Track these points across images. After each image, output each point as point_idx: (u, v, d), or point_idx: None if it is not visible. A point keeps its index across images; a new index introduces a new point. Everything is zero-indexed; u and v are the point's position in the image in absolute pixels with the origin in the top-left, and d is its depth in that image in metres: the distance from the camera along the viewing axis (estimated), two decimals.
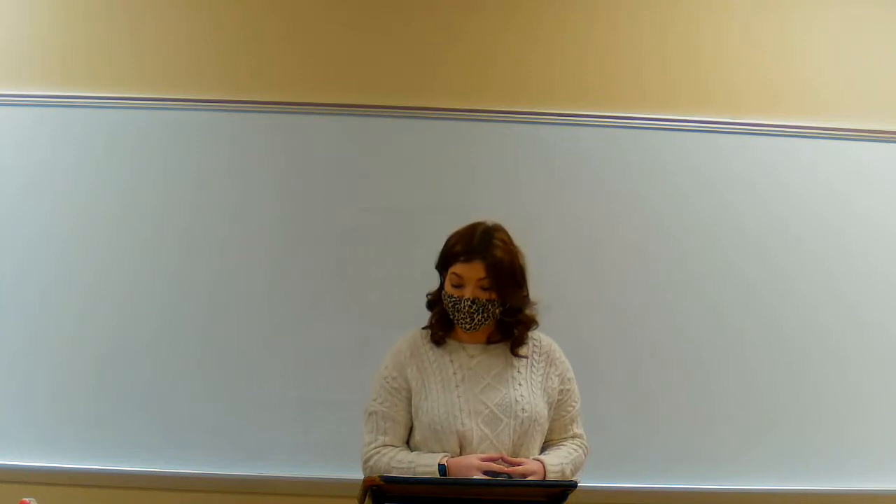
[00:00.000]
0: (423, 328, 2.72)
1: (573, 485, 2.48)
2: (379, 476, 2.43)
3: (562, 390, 2.71)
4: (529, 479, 2.53)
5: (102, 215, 3.52)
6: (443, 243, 2.68)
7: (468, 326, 2.62)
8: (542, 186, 3.60)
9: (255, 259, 3.51)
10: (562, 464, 2.62)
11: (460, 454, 2.56)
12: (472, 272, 2.58)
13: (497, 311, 2.63)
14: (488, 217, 2.72)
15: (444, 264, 2.65)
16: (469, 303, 2.59)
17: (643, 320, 3.56)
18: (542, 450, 2.67)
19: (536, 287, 3.53)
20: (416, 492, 2.50)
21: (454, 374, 2.64)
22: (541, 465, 2.57)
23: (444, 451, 2.57)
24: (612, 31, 3.71)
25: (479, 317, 2.61)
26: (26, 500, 2.69)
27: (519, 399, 2.62)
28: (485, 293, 2.60)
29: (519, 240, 3.54)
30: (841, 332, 3.60)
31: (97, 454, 3.42)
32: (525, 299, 2.68)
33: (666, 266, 3.59)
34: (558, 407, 2.70)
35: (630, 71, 3.69)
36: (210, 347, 3.47)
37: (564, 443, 2.70)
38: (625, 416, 3.52)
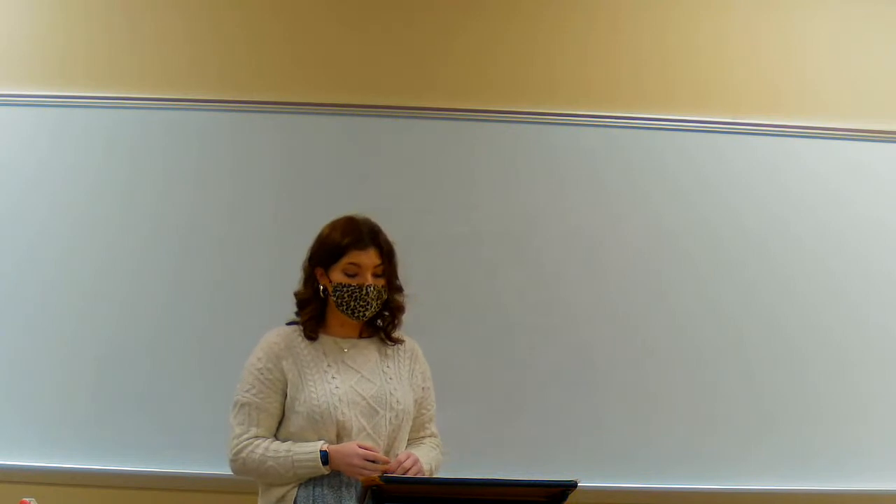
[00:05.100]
0: (289, 323, 2.74)
1: (573, 485, 2.48)
2: (379, 476, 2.43)
3: (424, 388, 2.76)
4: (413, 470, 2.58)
5: (102, 215, 3.52)
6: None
7: (367, 314, 2.66)
8: (542, 186, 3.60)
9: (255, 259, 3.51)
10: (429, 461, 2.68)
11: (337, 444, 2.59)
12: (368, 260, 2.64)
13: (385, 297, 2.69)
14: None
15: (330, 258, 2.67)
16: (371, 289, 2.63)
17: (643, 320, 3.56)
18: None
19: (537, 287, 3.56)
20: (416, 492, 2.50)
21: (329, 366, 2.66)
22: (417, 458, 2.62)
23: (321, 440, 2.59)
24: (612, 31, 3.71)
25: (376, 303, 2.66)
26: (26, 500, 2.69)
27: (393, 392, 2.66)
28: (378, 280, 2.66)
29: (519, 240, 3.58)
30: (841, 332, 3.60)
31: (97, 454, 3.42)
32: (399, 285, 2.73)
33: (666, 266, 3.59)
34: (419, 404, 2.74)
35: (630, 71, 3.69)
36: (210, 347, 3.46)
37: (423, 441, 2.75)
38: (625, 416, 3.52)
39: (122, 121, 3.55)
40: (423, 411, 2.76)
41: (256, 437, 2.62)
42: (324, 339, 2.70)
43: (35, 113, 3.55)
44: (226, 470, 3.39)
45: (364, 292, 2.63)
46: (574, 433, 3.49)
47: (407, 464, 2.58)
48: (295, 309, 2.74)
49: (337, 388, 2.63)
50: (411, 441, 2.74)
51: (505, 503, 2.56)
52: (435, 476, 2.68)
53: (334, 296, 2.66)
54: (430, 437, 2.78)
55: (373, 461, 2.54)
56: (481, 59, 3.66)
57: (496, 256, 3.56)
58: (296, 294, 2.74)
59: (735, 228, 3.62)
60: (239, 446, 2.62)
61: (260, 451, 2.60)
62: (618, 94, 3.66)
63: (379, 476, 2.44)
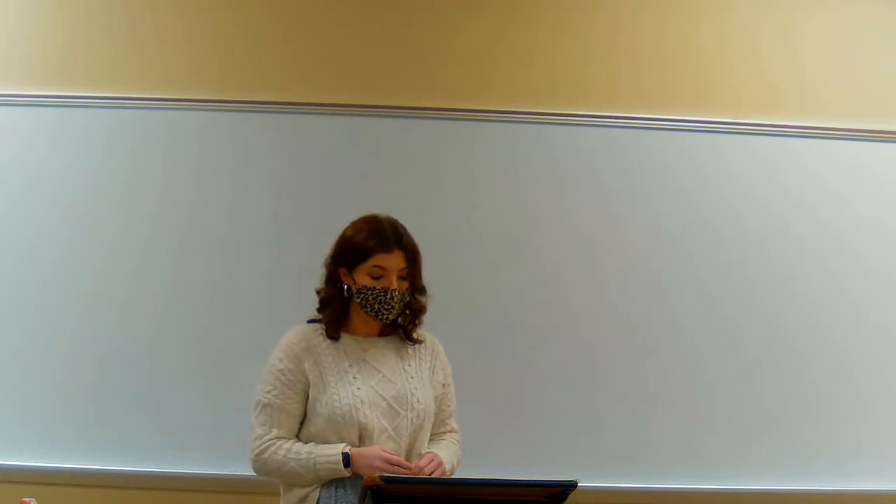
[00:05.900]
0: (310, 321, 2.71)
1: (573, 485, 2.48)
2: (379, 476, 2.43)
3: (444, 385, 2.76)
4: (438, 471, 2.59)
5: (102, 215, 3.52)
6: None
7: (390, 317, 2.65)
8: (542, 186, 3.60)
9: (255, 259, 3.51)
10: (450, 459, 2.68)
11: (359, 446, 2.58)
12: (394, 262, 2.62)
13: (408, 299, 2.68)
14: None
15: (355, 259, 2.64)
16: (396, 293, 2.62)
17: (643, 320, 3.56)
18: None
19: (537, 287, 3.57)
20: (416, 492, 2.50)
21: (350, 366, 2.65)
22: (440, 458, 2.61)
23: (343, 442, 2.58)
24: (612, 31, 3.71)
25: (399, 306, 2.65)
26: (26, 500, 2.69)
27: (414, 392, 2.65)
28: (403, 283, 2.65)
29: (519, 240, 3.59)
30: (841, 332, 3.60)
31: (97, 454, 3.42)
32: (422, 286, 2.71)
33: (666, 266, 3.59)
34: (440, 401, 2.74)
35: (630, 71, 3.69)
36: (210, 347, 3.47)
37: (444, 437, 2.75)
38: (625, 416, 3.52)
39: (122, 121, 3.55)
40: (444, 407, 2.75)
41: (278, 437, 2.61)
42: (345, 337, 2.69)
43: (35, 113, 3.56)
44: (225, 470, 3.43)
45: (388, 296, 2.62)
46: (574, 433, 3.49)
47: (428, 469, 2.57)
48: (315, 306, 2.71)
49: (358, 389, 2.62)
50: (432, 437, 2.72)
51: (505, 503, 2.56)
52: (446, 474, 2.66)
53: (358, 297, 2.64)
54: (450, 432, 2.77)
55: (396, 465, 2.53)
56: (481, 59, 3.67)
57: (496, 256, 3.56)
58: (318, 292, 2.72)
59: (735, 228, 3.62)
60: (261, 447, 2.61)
61: (282, 452, 2.59)
62: (618, 94, 3.66)
63: (379, 476, 2.44)
